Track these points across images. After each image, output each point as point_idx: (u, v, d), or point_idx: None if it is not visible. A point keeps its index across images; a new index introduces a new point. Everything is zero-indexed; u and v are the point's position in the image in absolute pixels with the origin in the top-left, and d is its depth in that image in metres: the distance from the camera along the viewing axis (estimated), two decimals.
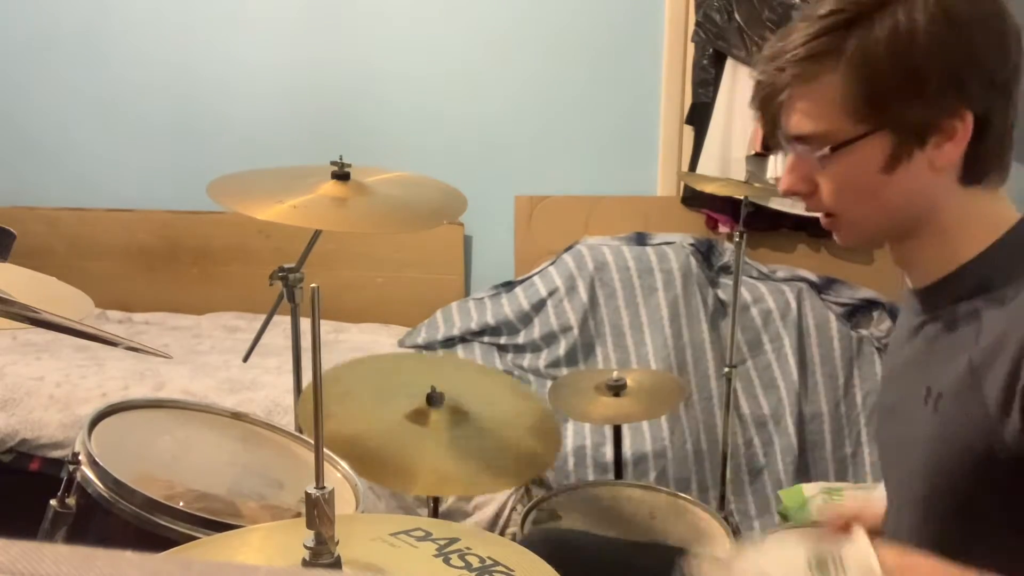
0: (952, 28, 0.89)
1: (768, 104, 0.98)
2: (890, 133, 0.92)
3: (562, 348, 2.82)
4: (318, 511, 0.74)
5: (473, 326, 2.93)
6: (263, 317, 1.84)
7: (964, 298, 0.95)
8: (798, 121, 0.96)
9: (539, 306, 2.88)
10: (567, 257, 2.93)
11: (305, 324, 1.70)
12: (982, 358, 0.90)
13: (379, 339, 3.08)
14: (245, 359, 1.84)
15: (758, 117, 1.01)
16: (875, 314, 2.83)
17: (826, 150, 0.94)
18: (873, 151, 0.93)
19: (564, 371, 2.78)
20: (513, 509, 2.36)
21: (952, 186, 0.95)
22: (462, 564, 0.81)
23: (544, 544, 1.48)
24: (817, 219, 1.04)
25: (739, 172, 2.87)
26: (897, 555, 0.92)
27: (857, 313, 2.83)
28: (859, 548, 0.94)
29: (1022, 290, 0.90)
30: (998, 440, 0.88)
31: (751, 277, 2.85)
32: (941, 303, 0.98)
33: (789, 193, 1.01)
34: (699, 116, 2.98)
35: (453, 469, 1.53)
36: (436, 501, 1.82)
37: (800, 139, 0.97)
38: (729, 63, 2.89)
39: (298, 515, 1.13)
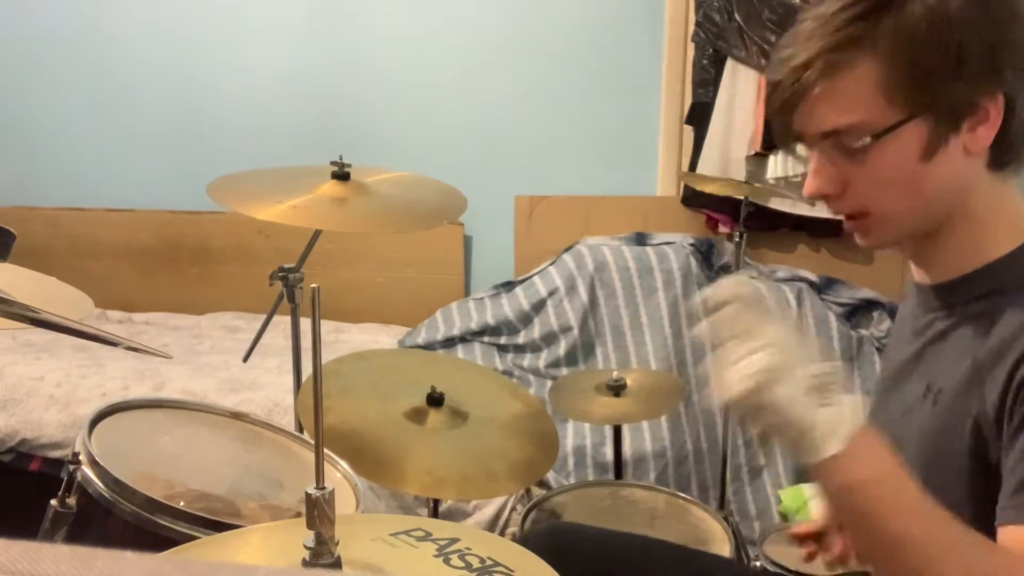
0: (985, 7, 0.89)
1: (793, 105, 0.94)
2: (929, 118, 0.90)
3: (562, 348, 2.82)
4: (318, 511, 0.74)
5: (473, 326, 2.93)
6: (263, 317, 1.83)
7: (983, 297, 0.94)
8: (828, 116, 0.92)
9: (539, 306, 2.88)
10: (567, 257, 2.93)
11: (305, 324, 1.70)
12: (987, 358, 0.89)
13: (379, 339, 3.08)
14: (245, 359, 1.84)
15: (777, 122, 0.97)
16: (875, 314, 2.83)
17: (866, 140, 0.91)
18: (912, 138, 0.91)
19: (564, 371, 2.78)
20: (513, 509, 2.36)
21: (982, 172, 0.94)
22: (462, 564, 0.81)
23: (545, 537, 1.46)
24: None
25: (739, 172, 2.86)
26: None
27: (857, 313, 2.83)
28: None
29: None
30: (991, 442, 0.89)
31: (751, 277, 2.85)
32: (959, 300, 0.97)
33: (816, 196, 0.97)
34: (699, 116, 2.98)
35: (449, 471, 1.53)
36: (436, 501, 1.82)
37: (831, 135, 0.93)
38: (729, 63, 2.89)
39: (298, 515, 1.13)
